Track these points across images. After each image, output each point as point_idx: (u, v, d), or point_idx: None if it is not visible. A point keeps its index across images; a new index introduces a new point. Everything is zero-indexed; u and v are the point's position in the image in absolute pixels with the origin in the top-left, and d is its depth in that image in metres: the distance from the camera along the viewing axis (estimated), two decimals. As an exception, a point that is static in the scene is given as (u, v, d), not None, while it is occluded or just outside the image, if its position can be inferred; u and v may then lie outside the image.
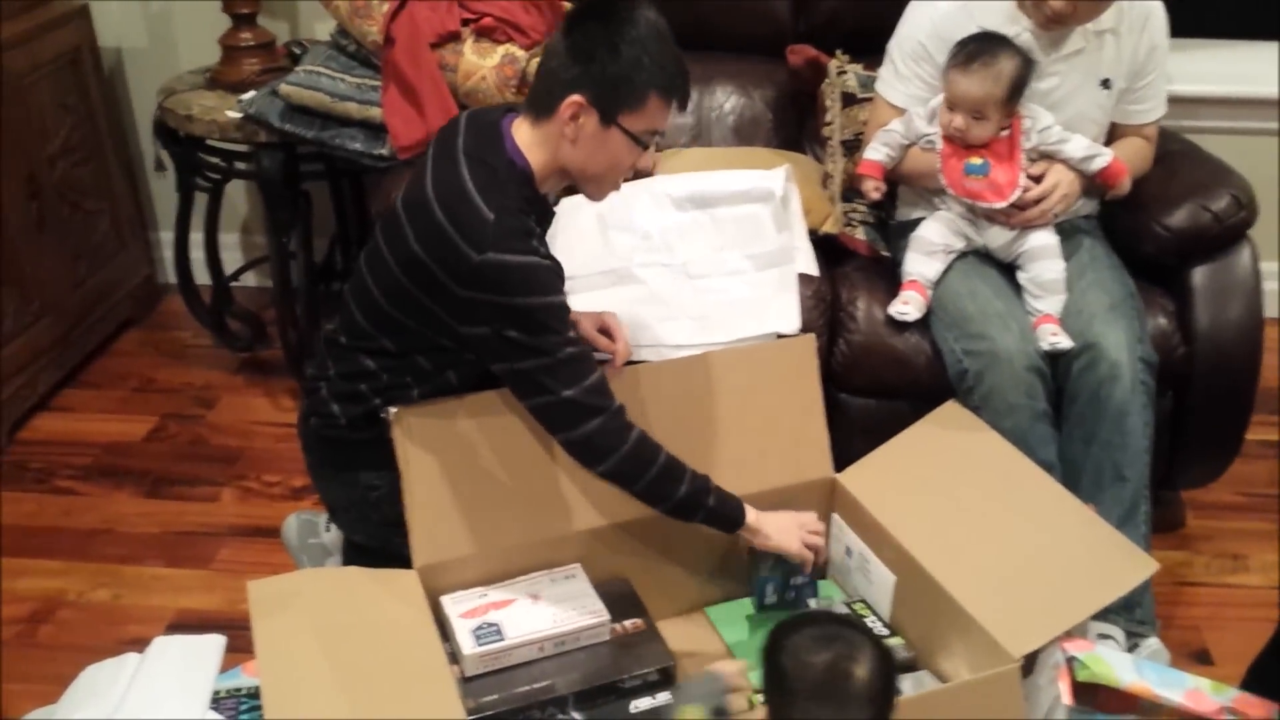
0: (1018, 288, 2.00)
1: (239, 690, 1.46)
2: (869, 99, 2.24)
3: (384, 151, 2.27)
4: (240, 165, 2.54)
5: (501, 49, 2.25)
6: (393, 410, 1.60)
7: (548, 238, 2.04)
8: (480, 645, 1.55)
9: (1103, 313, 1.91)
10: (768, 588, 1.72)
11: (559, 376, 1.50)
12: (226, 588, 2.11)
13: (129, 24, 2.89)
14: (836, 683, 1.10)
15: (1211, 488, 2.26)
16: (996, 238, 2.02)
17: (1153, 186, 2.11)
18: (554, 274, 1.51)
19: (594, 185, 1.60)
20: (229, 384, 2.76)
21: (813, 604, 1.77)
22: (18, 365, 2.55)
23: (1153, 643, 1.83)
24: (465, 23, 2.26)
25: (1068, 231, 2.04)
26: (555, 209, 2.12)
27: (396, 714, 1.36)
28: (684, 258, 2.01)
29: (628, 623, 1.66)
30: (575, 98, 1.47)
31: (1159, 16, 2.04)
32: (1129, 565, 1.57)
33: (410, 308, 1.55)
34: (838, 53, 2.38)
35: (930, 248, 2.03)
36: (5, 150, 2.46)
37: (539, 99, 1.53)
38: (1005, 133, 1.96)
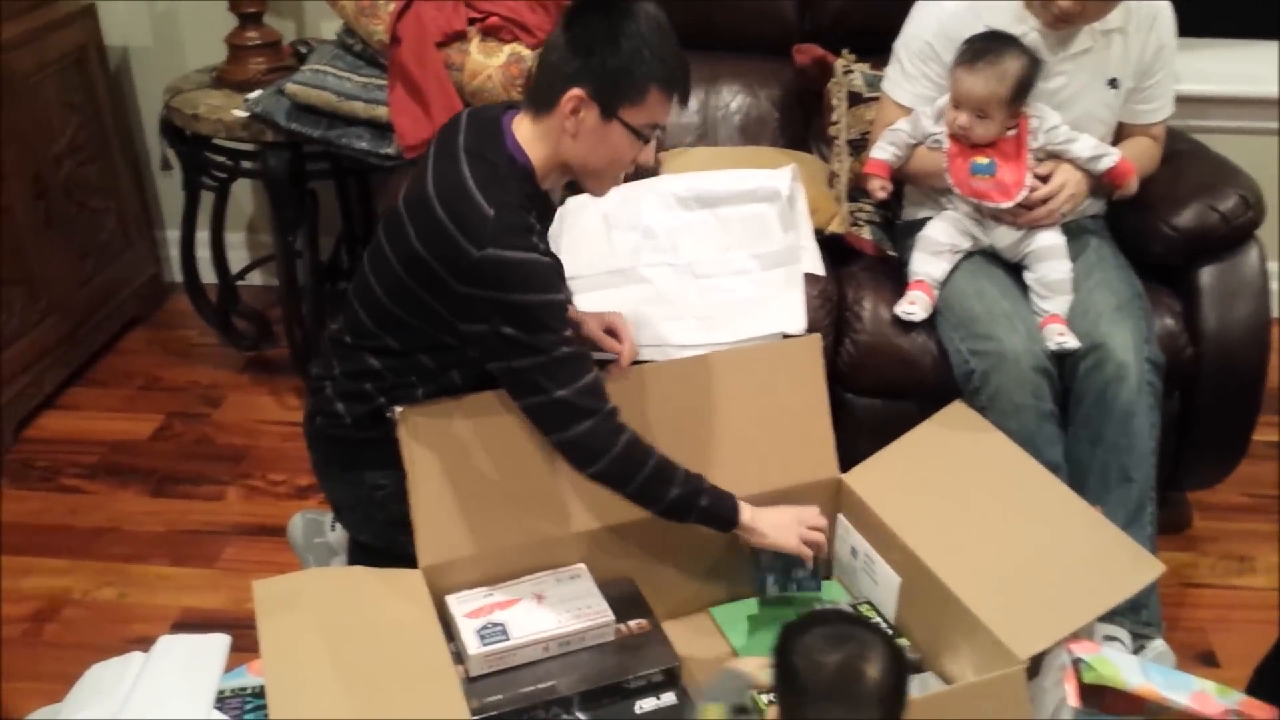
0: (1024, 288, 1.99)
1: (244, 689, 1.46)
2: (875, 98, 2.24)
3: (390, 151, 2.27)
4: (246, 164, 2.54)
5: (507, 48, 2.25)
6: (398, 410, 1.60)
7: (552, 236, 2.05)
8: (485, 645, 1.55)
9: (1109, 313, 1.91)
10: (768, 580, 1.71)
11: (554, 376, 1.50)
12: (232, 587, 2.12)
13: (135, 23, 2.90)
14: (848, 682, 1.10)
15: (1218, 489, 2.26)
16: (1003, 238, 2.01)
17: (1160, 186, 2.10)
18: (553, 271, 1.51)
19: (595, 180, 1.59)
20: (235, 383, 2.76)
21: (815, 597, 1.75)
22: (24, 363, 2.55)
23: (1158, 645, 1.82)
24: (471, 22, 2.27)
25: (1074, 231, 2.04)
26: (561, 207, 2.14)
27: (401, 714, 1.36)
28: (690, 257, 2.01)
29: (632, 623, 1.65)
30: (576, 91, 1.47)
31: (1166, 16, 2.03)
32: (1135, 567, 1.56)
33: (412, 305, 1.55)
34: (844, 52, 2.38)
35: (937, 247, 2.02)
36: (12, 149, 2.47)
37: (539, 94, 1.52)
38: (1012, 132, 1.96)
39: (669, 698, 1.58)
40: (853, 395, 2.08)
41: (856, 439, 1.88)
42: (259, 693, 1.44)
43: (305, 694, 1.37)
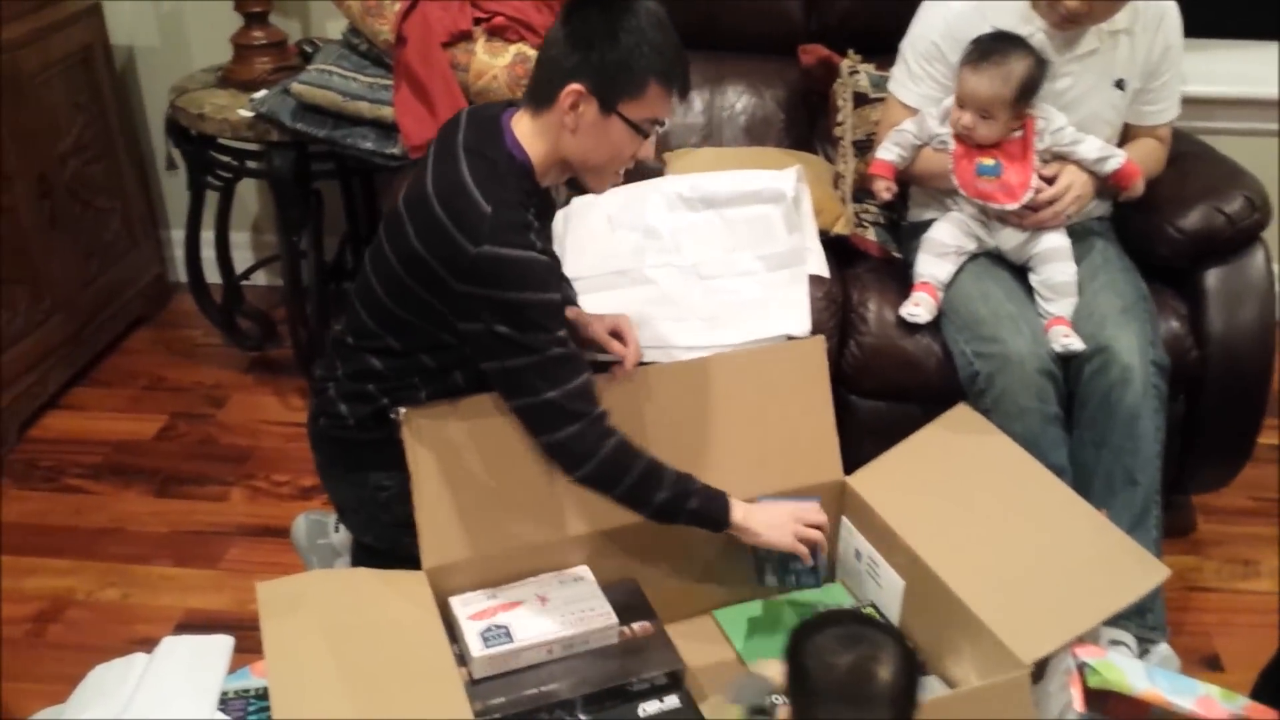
0: (1030, 290, 1.99)
1: (247, 691, 1.46)
2: (881, 99, 2.23)
3: (395, 151, 2.27)
4: (252, 164, 2.54)
5: (513, 48, 2.24)
6: (402, 411, 1.60)
7: (557, 236, 2.05)
8: (489, 647, 1.55)
9: (1115, 315, 1.90)
10: (766, 568, 1.69)
11: (545, 377, 1.49)
12: (235, 588, 2.12)
13: (141, 22, 2.90)
14: (860, 684, 1.10)
15: (1222, 492, 2.25)
16: (1009, 239, 2.01)
17: (1166, 188, 2.10)
18: (550, 270, 1.51)
19: (595, 176, 1.58)
20: (239, 383, 2.76)
21: (814, 595, 1.73)
22: (28, 363, 2.55)
23: (1163, 649, 1.82)
24: (477, 22, 2.26)
25: (1080, 233, 2.03)
26: (565, 207, 2.14)
27: (405, 716, 1.35)
28: (695, 258, 2.01)
29: (636, 625, 1.65)
30: (575, 86, 1.47)
31: (1173, 17, 2.03)
32: (1141, 571, 1.56)
33: (412, 304, 1.55)
34: (849, 52, 2.38)
35: (942, 249, 2.02)
36: (17, 148, 2.47)
37: (538, 89, 1.52)
38: (1018, 133, 1.95)
39: (672, 700, 1.58)
40: (857, 397, 2.08)
41: (860, 441, 1.88)
42: (262, 694, 1.44)
43: (308, 695, 1.37)
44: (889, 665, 1.10)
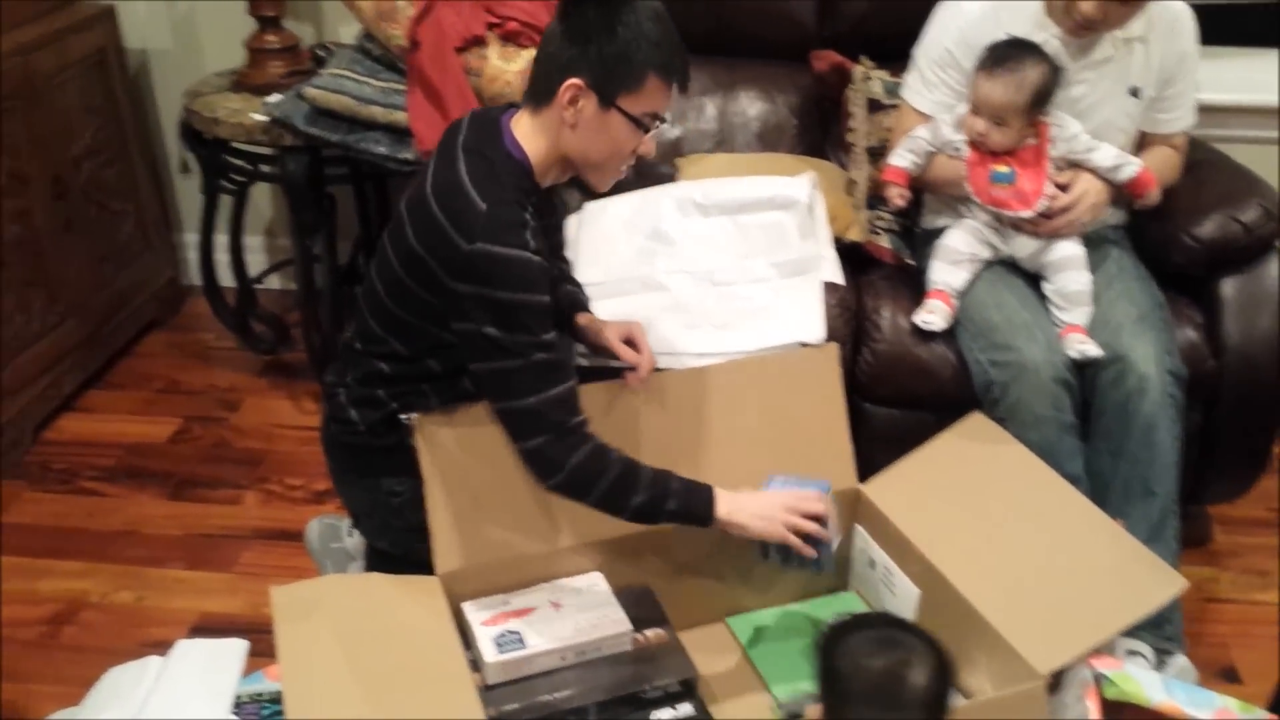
0: (1045, 298, 1.98)
1: (261, 695, 1.46)
2: (894, 105, 2.23)
3: (409, 155, 2.27)
4: (265, 168, 2.55)
5: (526, 53, 2.25)
6: (414, 416, 1.60)
7: (570, 242, 2.06)
8: (502, 653, 1.54)
9: (1131, 324, 1.89)
10: (770, 548, 1.62)
11: (526, 382, 1.48)
12: (249, 591, 2.12)
13: (154, 26, 2.91)
14: (892, 687, 1.09)
15: (1239, 503, 2.24)
16: (1023, 247, 2.00)
17: (1181, 196, 2.09)
18: (542, 271, 1.49)
19: (597, 173, 1.58)
20: (252, 386, 2.77)
21: (818, 573, 1.65)
22: (43, 365, 2.56)
23: (1180, 660, 1.81)
24: (491, 27, 2.27)
25: (1095, 242, 2.02)
26: (579, 213, 2.14)
27: (418, 721, 1.36)
28: (708, 264, 2.00)
29: (649, 632, 1.65)
30: (573, 80, 1.46)
31: (1188, 25, 2.02)
32: (1158, 582, 1.55)
33: (412, 305, 1.55)
34: (862, 58, 2.37)
35: (956, 256, 2.01)
36: (32, 152, 2.48)
37: (537, 86, 1.52)
38: (1032, 141, 1.95)
39: (686, 708, 1.57)
40: (871, 405, 2.07)
41: (874, 449, 1.87)
42: (276, 698, 1.44)
43: (322, 700, 1.37)
44: (923, 670, 1.09)
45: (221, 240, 2.79)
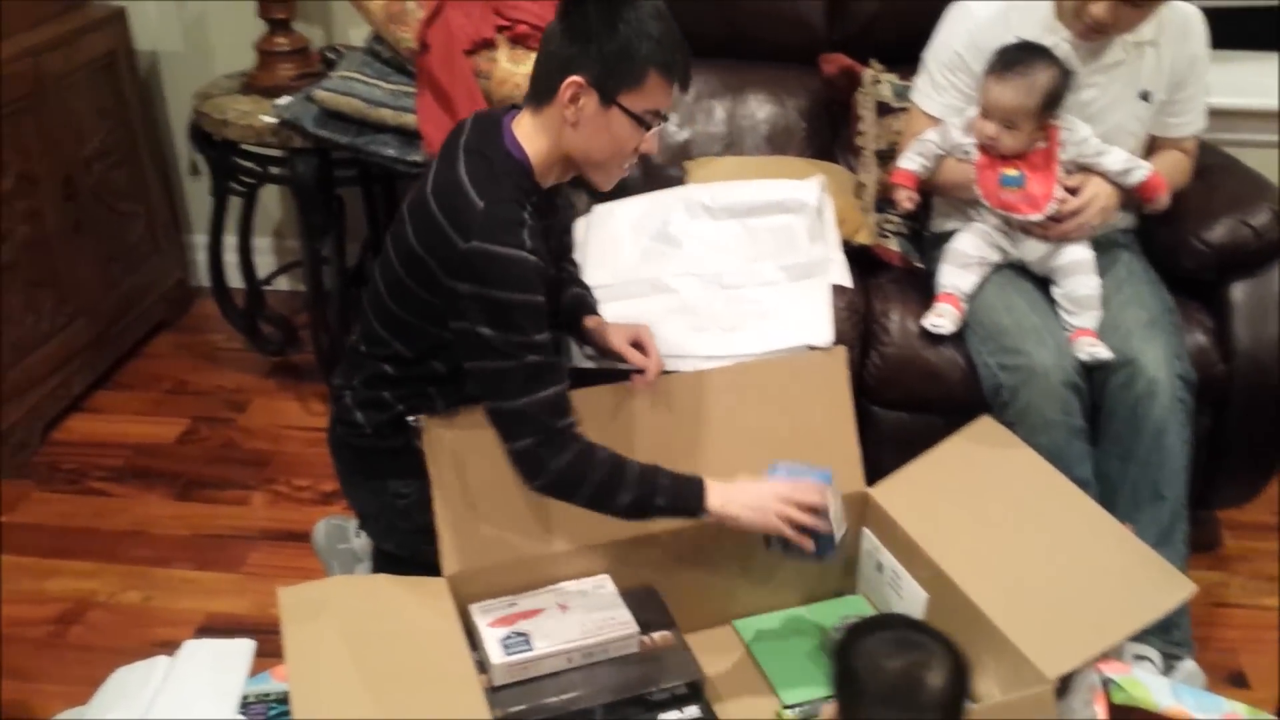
0: (1054, 302, 1.97)
1: (267, 695, 1.47)
2: (904, 109, 2.23)
3: (418, 158, 2.27)
4: (274, 170, 2.55)
5: (535, 56, 2.24)
6: (421, 418, 1.61)
7: (578, 245, 2.06)
8: (508, 655, 1.54)
9: (1140, 328, 1.89)
10: (772, 536, 1.59)
11: (516, 383, 1.48)
12: (256, 591, 2.12)
13: (165, 28, 2.92)
14: (910, 689, 1.09)
15: (1248, 507, 2.23)
16: (1032, 251, 2.00)
17: (1191, 200, 2.08)
18: (537, 271, 1.48)
19: (599, 171, 1.57)
20: (260, 387, 2.77)
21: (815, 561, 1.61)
22: (52, 366, 2.57)
23: (1189, 665, 1.80)
24: (500, 30, 2.27)
25: (1105, 245, 2.02)
26: (587, 215, 2.14)
27: (424, 722, 1.36)
28: (717, 267, 2.00)
29: (656, 635, 1.65)
30: (574, 78, 1.46)
31: (1199, 28, 2.01)
32: (1167, 586, 1.54)
33: (413, 305, 1.55)
34: (872, 62, 2.37)
35: (965, 260, 2.01)
36: (42, 153, 2.49)
37: (538, 84, 1.52)
38: (1042, 144, 1.94)
39: (692, 711, 1.57)
40: (879, 408, 2.07)
41: (882, 452, 1.87)
42: (283, 699, 1.44)
43: (329, 700, 1.37)
44: (940, 672, 1.10)
45: (230, 242, 2.80)
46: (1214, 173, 2.17)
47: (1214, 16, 2.04)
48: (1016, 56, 1.90)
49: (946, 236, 2.07)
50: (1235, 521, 2.29)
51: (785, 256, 2.02)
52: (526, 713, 1.52)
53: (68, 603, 2.11)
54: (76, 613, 2.09)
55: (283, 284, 3.05)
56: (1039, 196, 1.94)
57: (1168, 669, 1.79)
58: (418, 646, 1.48)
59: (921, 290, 2.09)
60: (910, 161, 2.06)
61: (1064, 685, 1.45)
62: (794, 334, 1.91)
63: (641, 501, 1.53)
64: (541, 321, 1.49)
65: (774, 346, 1.88)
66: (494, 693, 1.53)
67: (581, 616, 1.61)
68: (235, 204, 2.74)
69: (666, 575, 1.73)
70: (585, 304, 1.80)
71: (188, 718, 1.39)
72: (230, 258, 2.81)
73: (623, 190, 2.14)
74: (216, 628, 2.03)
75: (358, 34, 2.74)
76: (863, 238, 2.20)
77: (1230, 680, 1.95)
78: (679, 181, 2.25)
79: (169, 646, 1.50)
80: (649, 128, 1.51)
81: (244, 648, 1.49)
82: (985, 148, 1.97)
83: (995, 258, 2.02)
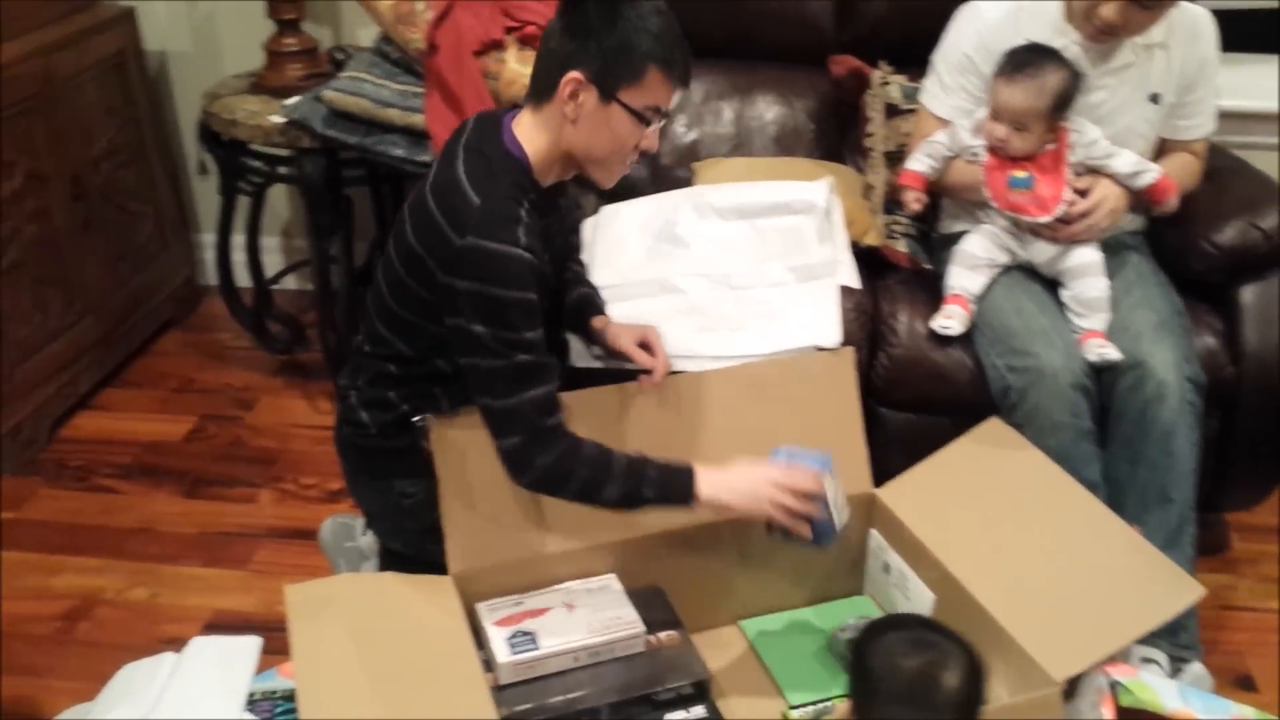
0: (1063, 303, 1.97)
1: (274, 692, 1.47)
2: (912, 110, 2.23)
3: (426, 158, 2.28)
4: (283, 170, 2.56)
5: (544, 57, 2.25)
6: (427, 417, 1.61)
7: (586, 245, 2.06)
8: (514, 654, 1.54)
9: (1150, 331, 1.88)
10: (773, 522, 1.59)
11: (508, 382, 1.48)
12: (263, 589, 2.12)
13: (174, 28, 2.93)
14: (925, 688, 1.09)
15: (1256, 511, 2.23)
16: (1040, 253, 1.99)
17: (1201, 203, 2.08)
18: (531, 269, 1.48)
19: (600, 169, 1.57)
20: (268, 386, 2.78)
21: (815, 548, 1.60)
22: (60, 363, 2.58)
23: (1196, 668, 1.79)
24: (508, 30, 2.27)
25: (1114, 248, 2.02)
26: (595, 216, 2.14)
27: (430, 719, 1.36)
28: (725, 268, 2.00)
29: (662, 634, 1.65)
30: (574, 74, 1.46)
31: (1209, 31, 2.01)
32: (1174, 589, 1.54)
33: (412, 304, 1.55)
34: (881, 63, 2.37)
35: (973, 261, 2.01)
36: (51, 152, 2.50)
37: (538, 82, 1.52)
38: (1051, 146, 1.94)
39: (698, 710, 1.57)
40: (886, 409, 2.06)
41: (889, 454, 1.86)
42: (289, 696, 1.44)
43: (335, 698, 1.37)
44: (956, 672, 1.09)
45: (238, 241, 2.80)
46: (1223, 175, 2.16)
47: (1215, 18, 2.03)
48: (1026, 58, 1.90)
49: (955, 238, 2.07)
50: (1243, 524, 2.29)
51: (793, 257, 2.02)
52: (532, 711, 1.52)
53: (75, 599, 2.11)
54: (84, 609, 2.09)
55: (290, 283, 3.05)
56: (1048, 198, 1.93)
57: (1175, 672, 1.78)
58: (424, 645, 1.48)
59: (930, 292, 2.09)
60: (918, 163, 2.06)
61: (1071, 687, 1.44)
62: (802, 335, 1.91)
63: (630, 494, 1.53)
64: (535, 319, 1.49)
65: (782, 347, 1.88)
66: (500, 691, 1.53)
67: (588, 615, 1.61)
68: (243, 203, 2.74)
69: (673, 575, 1.73)
70: (593, 304, 1.81)
71: (194, 715, 1.39)
72: (238, 257, 2.82)
73: (630, 191, 2.14)
74: (223, 625, 2.03)
75: (366, 34, 2.75)
76: (871, 239, 2.20)
77: (1238, 683, 1.94)
78: (687, 182, 2.25)
79: (176, 643, 1.50)
80: (649, 124, 1.51)
81: (251, 645, 1.49)
82: (994, 149, 1.97)
83: (1004, 259, 2.01)
